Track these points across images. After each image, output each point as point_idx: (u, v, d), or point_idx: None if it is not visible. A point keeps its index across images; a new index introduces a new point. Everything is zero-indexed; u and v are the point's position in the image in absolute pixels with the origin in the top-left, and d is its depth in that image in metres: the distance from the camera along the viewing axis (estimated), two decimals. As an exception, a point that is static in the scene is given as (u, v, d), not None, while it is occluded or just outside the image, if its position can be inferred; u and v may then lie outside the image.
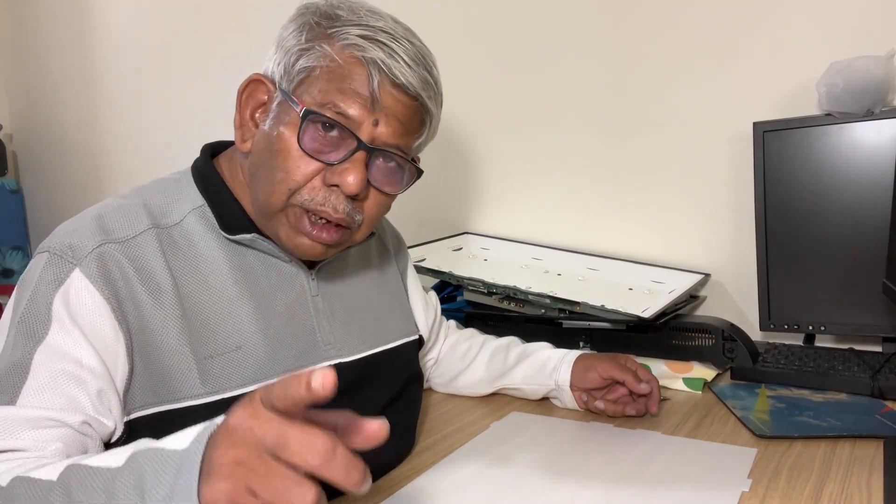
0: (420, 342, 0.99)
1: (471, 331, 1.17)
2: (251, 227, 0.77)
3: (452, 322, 1.19)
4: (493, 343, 1.11)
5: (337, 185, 0.71)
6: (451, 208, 1.60)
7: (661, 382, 1.10)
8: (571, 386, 0.99)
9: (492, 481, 0.79)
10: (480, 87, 1.53)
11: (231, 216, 0.77)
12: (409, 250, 1.38)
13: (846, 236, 1.12)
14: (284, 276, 0.79)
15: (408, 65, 0.71)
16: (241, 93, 0.76)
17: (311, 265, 0.82)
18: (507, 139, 1.52)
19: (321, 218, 0.72)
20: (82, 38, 2.33)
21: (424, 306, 1.03)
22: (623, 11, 1.36)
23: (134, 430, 0.69)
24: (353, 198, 0.72)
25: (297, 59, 0.72)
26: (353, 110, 0.70)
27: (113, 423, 0.67)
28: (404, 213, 1.63)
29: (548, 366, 1.02)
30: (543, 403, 1.05)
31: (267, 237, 0.77)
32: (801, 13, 1.19)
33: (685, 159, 1.33)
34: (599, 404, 0.97)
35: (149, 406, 0.69)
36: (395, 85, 0.71)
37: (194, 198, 0.77)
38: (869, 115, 1.08)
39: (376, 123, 0.71)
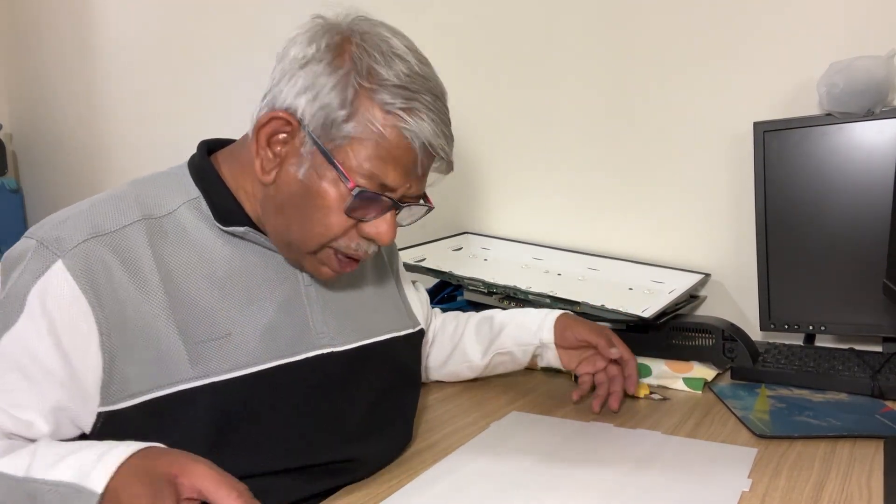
0: (420, 334, 0.99)
1: (454, 312, 1.17)
2: (245, 220, 0.79)
3: (437, 308, 1.20)
4: (477, 316, 1.12)
5: (370, 237, 0.77)
6: (451, 208, 1.60)
7: (662, 382, 1.10)
8: (555, 342, 1.01)
9: (492, 481, 0.79)
10: (481, 87, 1.53)
11: (226, 208, 0.79)
12: (409, 250, 1.39)
13: (846, 236, 1.12)
14: (278, 266, 0.81)
15: (445, 135, 0.76)
16: (260, 127, 0.75)
17: None
18: (507, 139, 1.52)
19: (350, 258, 0.79)
20: (82, 38, 2.33)
21: (420, 300, 1.05)
22: (623, 12, 1.36)
23: (131, 417, 0.70)
24: None
25: (342, 123, 0.73)
26: (395, 181, 0.75)
27: (50, 426, 0.69)
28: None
29: (532, 325, 1.04)
30: (544, 403, 1.04)
31: (259, 231, 0.79)
32: (801, 13, 1.19)
33: (685, 159, 1.33)
34: (582, 367, 1.01)
35: (143, 393, 0.70)
36: (435, 158, 0.78)
37: (189, 190, 0.79)
38: (869, 116, 1.08)
39: (410, 187, 0.77)
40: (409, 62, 0.74)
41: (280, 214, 0.77)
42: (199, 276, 0.75)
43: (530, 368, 1.14)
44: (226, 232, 0.78)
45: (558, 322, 1.02)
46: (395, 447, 0.87)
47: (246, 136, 0.81)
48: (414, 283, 1.08)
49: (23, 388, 0.68)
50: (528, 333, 1.04)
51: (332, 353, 0.81)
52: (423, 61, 0.77)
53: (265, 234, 0.80)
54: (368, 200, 0.75)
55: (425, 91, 0.74)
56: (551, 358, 1.03)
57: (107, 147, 2.34)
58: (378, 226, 0.76)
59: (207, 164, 0.81)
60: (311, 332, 0.81)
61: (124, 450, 0.61)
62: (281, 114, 0.74)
